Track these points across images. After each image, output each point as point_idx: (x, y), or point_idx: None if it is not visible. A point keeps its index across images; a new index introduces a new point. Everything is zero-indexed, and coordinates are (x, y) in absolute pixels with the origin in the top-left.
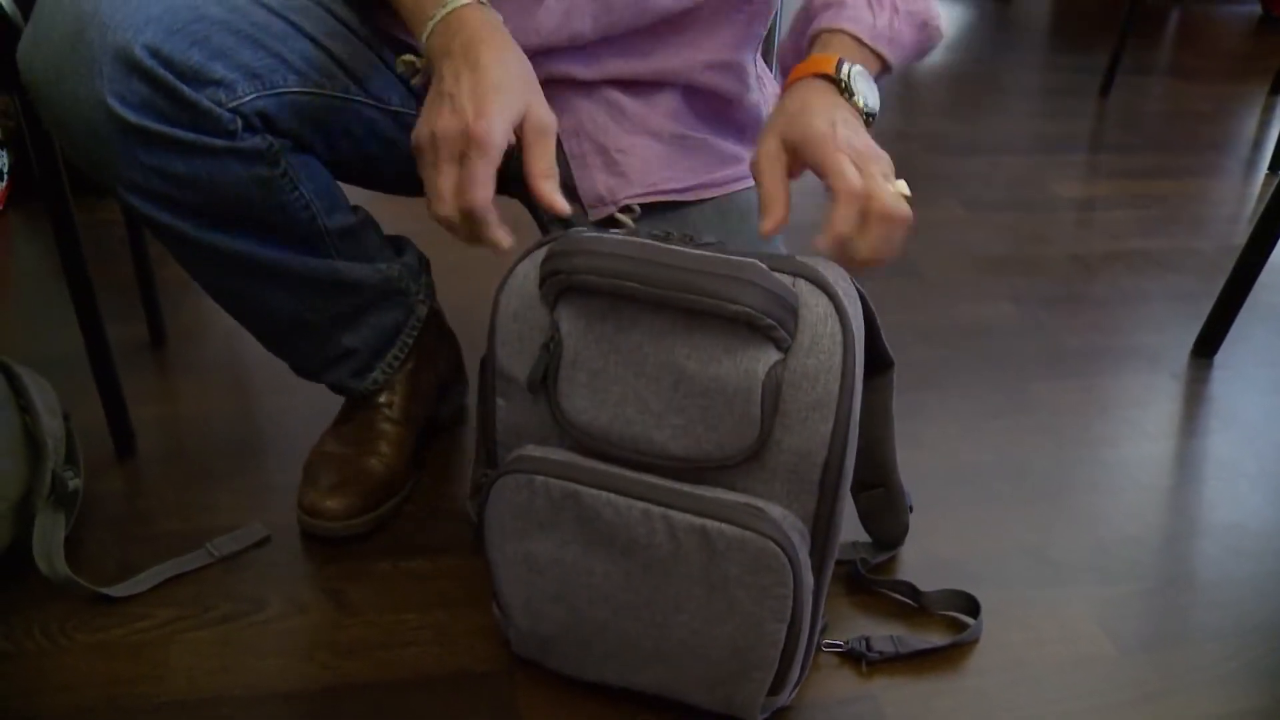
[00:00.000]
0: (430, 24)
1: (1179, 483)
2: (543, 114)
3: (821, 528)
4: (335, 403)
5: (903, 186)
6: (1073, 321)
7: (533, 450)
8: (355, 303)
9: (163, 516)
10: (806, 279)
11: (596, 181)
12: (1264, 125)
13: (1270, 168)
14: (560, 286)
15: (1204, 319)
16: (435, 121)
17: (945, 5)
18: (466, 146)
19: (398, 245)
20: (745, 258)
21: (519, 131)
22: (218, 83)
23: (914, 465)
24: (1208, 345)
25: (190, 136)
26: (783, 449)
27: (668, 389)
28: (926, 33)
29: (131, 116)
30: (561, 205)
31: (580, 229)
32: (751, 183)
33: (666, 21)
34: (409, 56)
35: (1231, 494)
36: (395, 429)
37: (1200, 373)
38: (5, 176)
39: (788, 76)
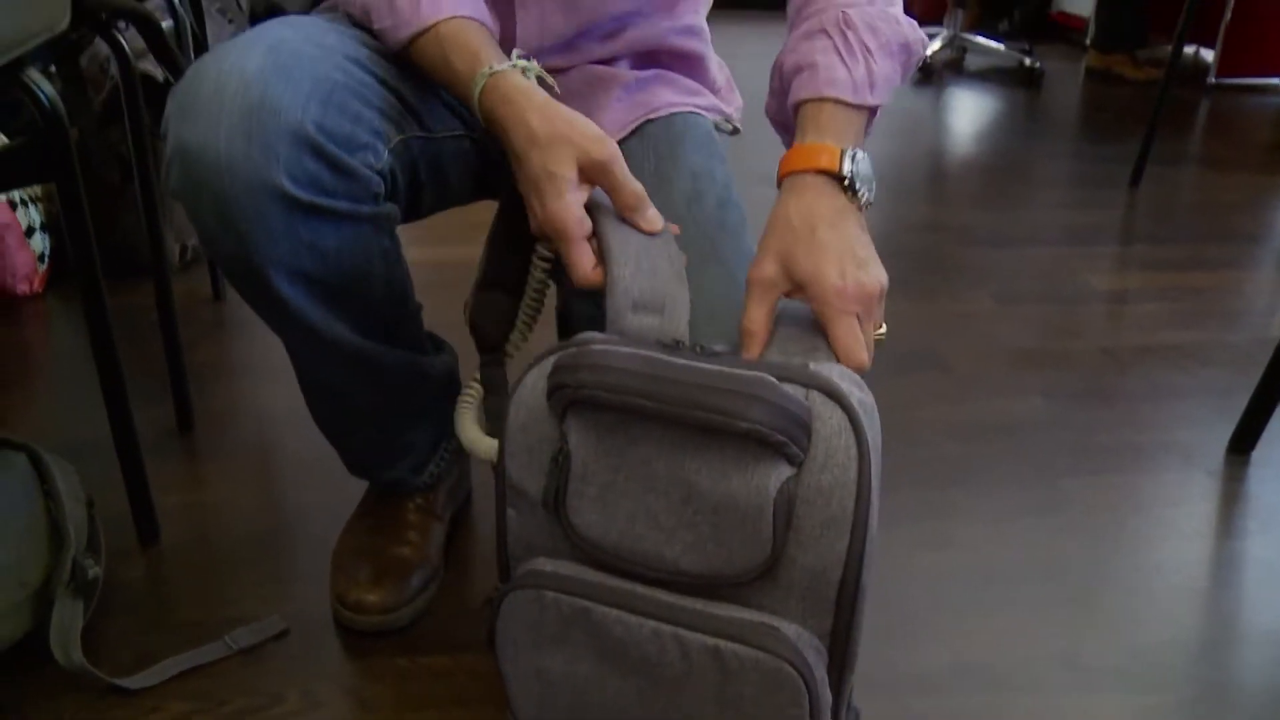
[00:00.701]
0: (481, 118)
1: (1216, 585)
2: (593, 154)
3: (840, 644)
4: (358, 493)
5: (882, 330)
6: (1104, 416)
7: (543, 564)
8: (426, 396)
9: (183, 606)
10: (820, 390)
11: None
12: None
13: None
14: (567, 400)
15: (1239, 414)
16: (533, 224)
17: (977, 94)
18: (553, 237)
19: (435, 340)
20: (756, 372)
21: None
22: (365, 146)
23: (942, 565)
24: (1244, 441)
25: (346, 206)
26: (797, 566)
27: (678, 504)
28: (909, 53)
29: (303, 195)
30: (654, 224)
31: (591, 334)
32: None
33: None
34: None
35: (1272, 598)
36: (423, 518)
37: (1236, 470)
38: (46, 259)
39: (783, 162)
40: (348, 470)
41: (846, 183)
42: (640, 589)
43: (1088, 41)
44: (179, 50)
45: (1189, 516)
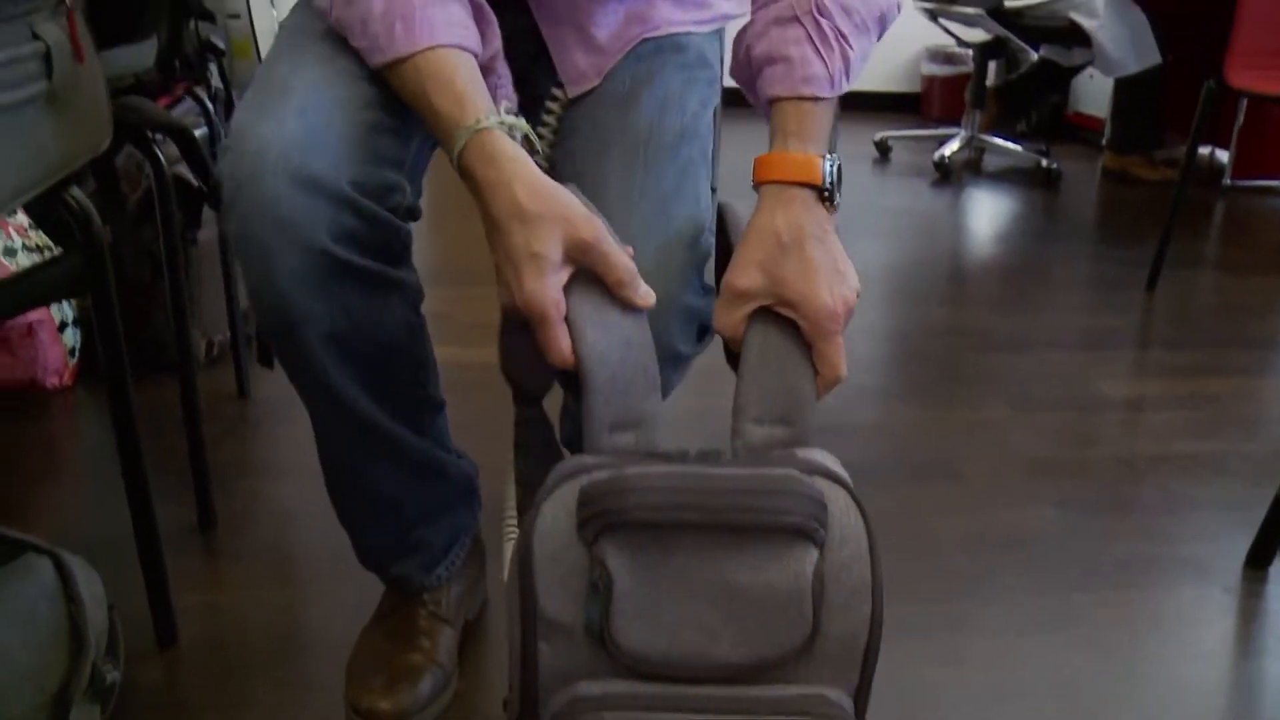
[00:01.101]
0: (456, 170)
1: (1234, 707)
2: (581, 233)
3: (862, 701)
4: (377, 598)
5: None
6: (1118, 528)
7: (588, 688)
8: (444, 495)
9: (198, 711)
10: (821, 475)
11: (577, 60)
12: None
13: None
14: (604, 525)
15: (1257, 526)
16: (505, 296)
17: (995, 195)
18: (529, 318)
19: (457, 450)
20: (780, 469)
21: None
22: (394, 188)
23: (954, 682)
24: (1261, 556)
25: (375, 266)
26: (830, 637)
27: (721, 603)
28: (883, 24)
29: (342, 253)
30: (647, 300)
31: (582, 459)
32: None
33: None
34: None
35: None
36: (432, 623)
37: (1254, 586)
38: (77, 353)
39: (762, 166)
40: (359, 561)
41: (827, 194)
42: (691, 690)
43: (1104, 142)
44: (212, 159)
45: (1205, 635)
